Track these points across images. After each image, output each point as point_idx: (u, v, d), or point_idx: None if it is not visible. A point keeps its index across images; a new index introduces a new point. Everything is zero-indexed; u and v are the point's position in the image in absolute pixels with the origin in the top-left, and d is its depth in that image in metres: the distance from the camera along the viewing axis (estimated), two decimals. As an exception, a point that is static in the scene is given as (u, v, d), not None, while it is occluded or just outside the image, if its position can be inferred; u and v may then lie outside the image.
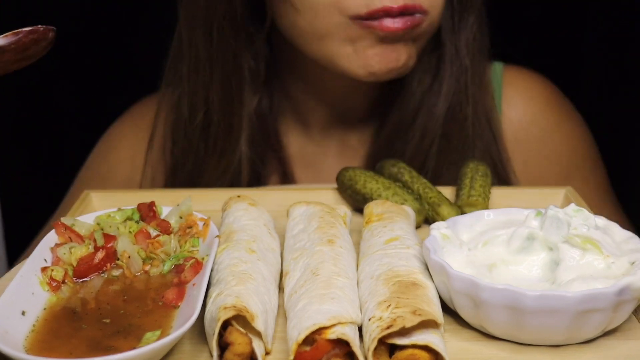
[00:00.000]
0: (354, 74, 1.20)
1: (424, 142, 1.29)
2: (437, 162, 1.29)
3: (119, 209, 0.96)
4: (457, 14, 1.26)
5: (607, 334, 0.78)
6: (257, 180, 1.33)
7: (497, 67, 1.40)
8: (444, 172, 1.28)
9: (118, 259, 0.89)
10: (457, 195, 1.10)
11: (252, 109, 1.30)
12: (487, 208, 1.05)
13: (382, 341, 0.72)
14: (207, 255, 0.88)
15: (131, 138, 1.42)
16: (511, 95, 1.38)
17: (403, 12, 1.13)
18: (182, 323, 0.74)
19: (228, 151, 1.29)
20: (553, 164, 1.37)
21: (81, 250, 0.88)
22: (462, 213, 1.04)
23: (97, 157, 1.47)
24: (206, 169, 1.30)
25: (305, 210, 0.98)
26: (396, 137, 1.31)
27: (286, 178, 1.38)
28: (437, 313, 0.75)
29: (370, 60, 1.17)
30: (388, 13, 1.13)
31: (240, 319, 0.74)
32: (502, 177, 1.32)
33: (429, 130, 1.28)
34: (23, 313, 0.77)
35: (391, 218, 0.95)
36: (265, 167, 1.37)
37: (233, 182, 1.30)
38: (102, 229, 0.92)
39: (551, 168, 1.37)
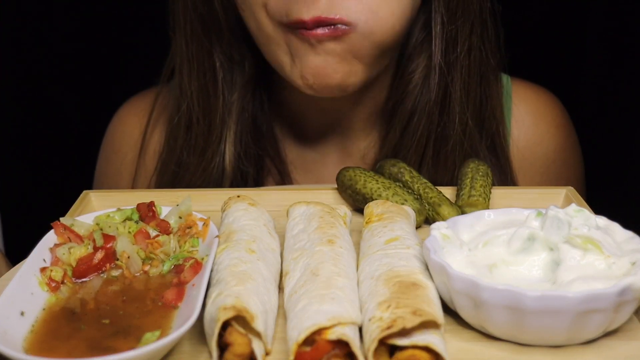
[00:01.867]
0: (296, 85, 1.19)
1: (426, 153, 1.28)
2: (431, 180, 1.28)
3: (118, 209, 0.96)
4: (447, 24, 1.22)
5: (608, 334, 0.78)
6: (244, 181, 1.32)
7: (505, 80, 1.38)
8: (444, 179, 1.28)
9: (117, 260, 0.89)
10: (458, 195, 1.09)
11: (237, 108, 1.30)
12: (487, 208, 1.05)
13: (382, 342, 0.72)
14: (206, 255, 0.87)
15: (134, 135, 1.43)
16: (520, 114, 1.37)
17: (319, 24, 1.10)
18: (181, 323, 0.73)
19: (209, 150, 1.29)
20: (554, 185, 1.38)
21: (80, 251, 0.88)
22: (463, 213, 1.04)
23: (104, 162, 1.48)
24: (188, 168, 1.30)
25: (305, 210, 0.98)
26: (401, 147, 1.29)
27: (285, 182, 1.37)
28: (438, 313, 0.75)
29: (305, 73, 1.15)
30: (303, 26, 1.10)
31: (240, 320, 0.73)
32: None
33: (431, 141, 1.27)
34: (22, 313, 0.77)
35: (391, 218, 0.95)
36: (261, 170, 1.36)
37: (217, 182, 1.29)
38: (101, 229, 0.91)
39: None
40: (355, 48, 1.13)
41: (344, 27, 1.10)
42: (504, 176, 1.32)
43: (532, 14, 1.97)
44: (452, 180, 1.27)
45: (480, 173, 1.10)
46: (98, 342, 0.74)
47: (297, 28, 1.11)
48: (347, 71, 1.15)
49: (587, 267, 0.78)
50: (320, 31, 1.10)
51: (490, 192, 1.09)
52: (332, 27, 1.10)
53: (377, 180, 1.08)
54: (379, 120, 1.35)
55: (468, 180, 1.09)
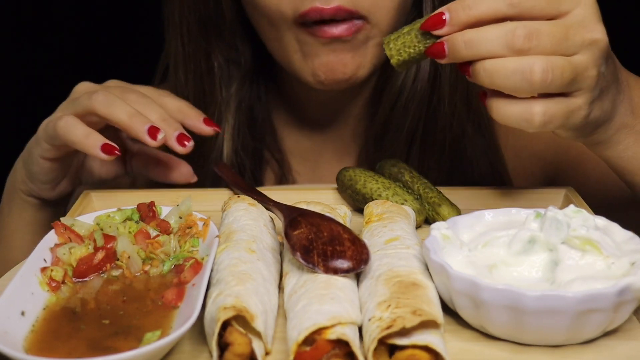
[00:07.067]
0: (305, 81, 1.20)
1: (416, 135, 1.28)
2: (420, 161, 1.28)
3: (119, 209, 0.96)
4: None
5: (607, 334, 0.78)
6: (241, 175, 1.32)
7: None
8: (430, 172, 1.28)
9: (118, 260, 0.89)
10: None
11: (235, 101, 1.31)
12: None
13: (382, 341, 0.72)
14: (206, 255, 0.88)
15: None
16: None
17: (336, 14, 1.11)
18: (181, 323, 0.73)
19: (205, 147, 1.29)
20: (539, 159, 1.37)
21: (81, 251, 0.88)
22: None
23: None
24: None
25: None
26: (384, 135, 1.30)
27: (283, 171, 1.38)
28: (437, 313, 0.75)
29: (317, 70, 1.17)
30: (320, 15, 1.10)
31: (240, 319, 0.74)
32: (499, 177, 1.31)
33: (422, 121, 1.27)
34: (22, 313, 0.77)
35: (391, 218, 0.95)
36: (259, 162, 1.37)
37: (214, 177, 1.29)
38: (101, 229, 0.92)
39: (538, 163, 1.36)
40: (367, 40, 1.15)
41: (359, 21, 1.13)
42: (493, 154, 1.31)
43: None
44: (440, 161, 1.27)
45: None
46: (98, 342, 0.74)
47: (311, 22, 1.12)
48: (358, 64, 1.17)
49: (586, 268, 0.78)
50: (336, 31, 1.12)
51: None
52: (349, 23, 1.12)
53: (377, 180, 1.08)
54: (370, 109, 1.36)
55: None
